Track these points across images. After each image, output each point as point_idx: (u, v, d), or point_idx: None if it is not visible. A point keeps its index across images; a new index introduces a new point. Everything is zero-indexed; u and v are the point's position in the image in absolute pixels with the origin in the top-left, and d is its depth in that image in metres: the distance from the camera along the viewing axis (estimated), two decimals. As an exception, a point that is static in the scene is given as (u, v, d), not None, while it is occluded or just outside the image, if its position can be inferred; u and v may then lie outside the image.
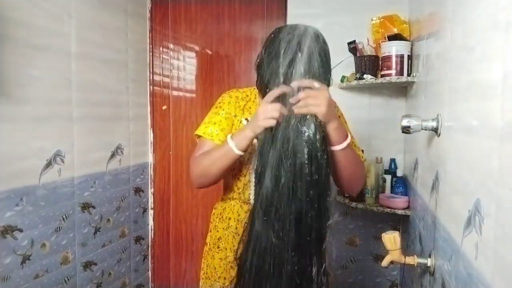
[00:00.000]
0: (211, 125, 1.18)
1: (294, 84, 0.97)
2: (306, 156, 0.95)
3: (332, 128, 1.01)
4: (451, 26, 1.08)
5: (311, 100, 0.95)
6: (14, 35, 1.45)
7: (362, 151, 1.32)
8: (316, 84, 0.96)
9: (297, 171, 0.95)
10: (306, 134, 0.96)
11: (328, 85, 1.05)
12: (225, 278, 1.24)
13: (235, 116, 1.20)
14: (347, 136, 1.06)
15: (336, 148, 1.04)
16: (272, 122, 0.98)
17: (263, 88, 1.06)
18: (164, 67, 2.46)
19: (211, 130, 1.17)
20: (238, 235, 1.18)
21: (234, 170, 1.22)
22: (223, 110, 1.20)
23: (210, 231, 1.31)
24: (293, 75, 0.98)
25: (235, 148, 1.05)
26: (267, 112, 0.97)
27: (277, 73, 1.00)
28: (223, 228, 1.25)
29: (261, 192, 0.98)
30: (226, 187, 1.28)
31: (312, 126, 0.96)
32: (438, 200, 1.18)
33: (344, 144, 1.04)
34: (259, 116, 0.99)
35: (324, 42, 1.05)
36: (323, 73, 1.01)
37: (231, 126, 1.20)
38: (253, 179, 1.14)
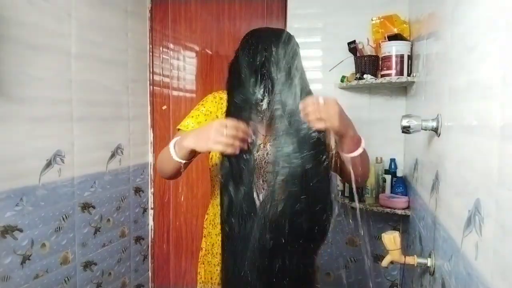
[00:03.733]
0: (189, 119, 1.21)
1: (300, 106, 0.91)
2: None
3: (347, 138, 0.97)
4: (451, 26, 1.08)
5: (323, 114, 0.89)
6: (14, 35, 1.45)
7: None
8: (321, 99, 0.90)
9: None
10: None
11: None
12: (219, 284, 1.23)
13: (217, 116, 1.20)
14: (360, 142, 1.01)
15: (350, 155, 1.00)
16: (221, 148, 0.89)
17: (234, 88, 1.04)
18: (164, 67, 2.46)
19: (187, 122, 1.20)
20: None
21: (217, 176, 1.22)
22: (204, 107, 1.22)
23: (205, 237, 1.30)
24: (267, 73, 0.98)
25: (175, 155, 1.04)
26: (220, 134, 0.89)
27: (252, 72, 0.99)
28: (216, 234, 1.24)
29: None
30: (213, 193, 1.27)
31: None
32: (438, 200, 1.18)
33: (359, 150, 1.00)
34: (211, 133, 0.90)
35: (295, 43, 1.05)
36: (294, 73, 1.01)
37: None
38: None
